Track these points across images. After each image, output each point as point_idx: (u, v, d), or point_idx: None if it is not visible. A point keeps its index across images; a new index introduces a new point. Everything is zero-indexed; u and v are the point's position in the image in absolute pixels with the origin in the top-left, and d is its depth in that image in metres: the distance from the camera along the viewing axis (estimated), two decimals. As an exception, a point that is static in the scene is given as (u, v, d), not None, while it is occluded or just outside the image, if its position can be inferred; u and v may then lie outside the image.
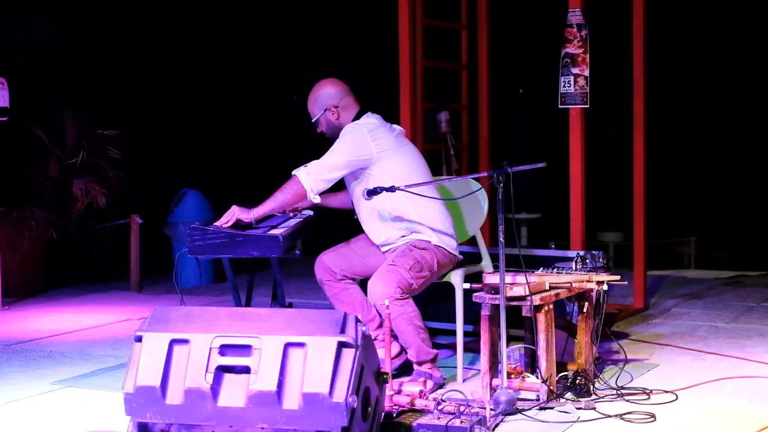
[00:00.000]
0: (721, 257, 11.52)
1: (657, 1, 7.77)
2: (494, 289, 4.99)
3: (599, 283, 5.21)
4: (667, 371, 5.73)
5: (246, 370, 4.26)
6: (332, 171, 5.35)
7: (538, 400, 4.98)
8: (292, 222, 5.54)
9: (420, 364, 5.36)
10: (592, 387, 5.21)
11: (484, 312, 5.05)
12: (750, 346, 6.32)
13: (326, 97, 5.57)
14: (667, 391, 5.25)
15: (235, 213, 5.31)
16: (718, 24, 10.79)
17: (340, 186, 5.61)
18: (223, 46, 11.20)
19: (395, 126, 5.65)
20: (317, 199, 5.41)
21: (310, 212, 5.82)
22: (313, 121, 5.61)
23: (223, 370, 4.28)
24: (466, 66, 8.09)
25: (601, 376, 5.48)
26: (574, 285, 5.19)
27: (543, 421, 4.78)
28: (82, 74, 9.86)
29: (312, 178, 5.31)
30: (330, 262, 5.62)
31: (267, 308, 5.33)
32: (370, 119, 5.53)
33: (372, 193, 5.18)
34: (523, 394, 5.03)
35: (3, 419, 5.00)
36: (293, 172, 5.35)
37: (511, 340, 5.03)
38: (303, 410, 4.17)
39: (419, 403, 4.86)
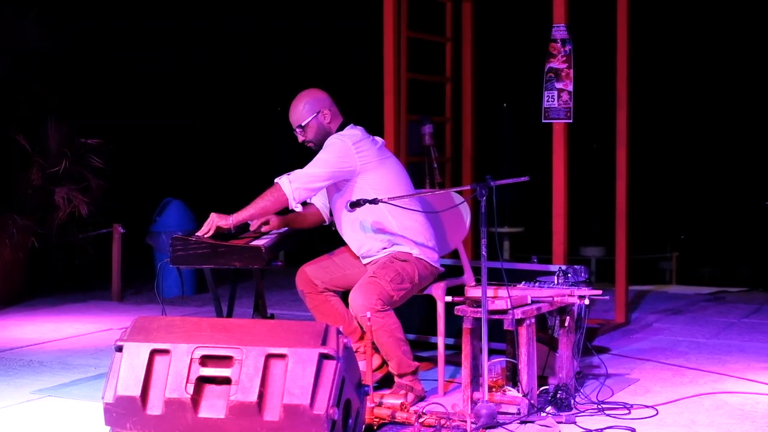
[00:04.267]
0: (702, 273, 11.56)
1: (640, 16, 7.80)
2: (476, 303, 4.99)
3: (581, 297, 5.22)
4: (647, 386, 5.74)
5: (227, 381, 4.25)
6: (315, 181, 5.34)
7: (518, 413, 4.99)
8: (274, 233, 5.53)
9: (401, 376, 5.35)
10: (572, 401, 5.21)
11: (466, 325, 5.05)
12: (731, 362, 6.34)
13: (317, 101, 5.54)
14: (647, 406, 5.26)
15: (214, 221, 5.29)
16: (700, 41, 10.85)
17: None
18: (208, 55, 11.20)
19: (377, 138, 5.64)
20: (299, 208, 5.39)
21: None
22: (303, 125, 5.49)
23: (203, 380, 4.28)
24: (450, 79, 8.10)
25: (581, 390, 5.48)
26: (555, 299, 5.20)
27: (523, 435, 4.79)
28: (66, 82, 9.84)
29: (294, 187, 5.29)
30: (311, 274, 5.61)
31: (249, 319, 5.33)
32: (354, 131, 5.53)
33: (355, 205, 5.18)
34: (504, 408, 5.03)
35: (-19, 428, 4.98)
36: (276, 180, 5.33)
37: (492, 353, 5.04)
38: (284, 422, 4.17)
39: (400, 416, 4.86)
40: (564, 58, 6.81)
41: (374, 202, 5.18)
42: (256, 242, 5.26)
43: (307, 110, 5.51)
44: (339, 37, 11.16)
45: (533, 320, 5.10)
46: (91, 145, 9.16)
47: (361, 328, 5.46)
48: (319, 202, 5.71)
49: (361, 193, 5.35)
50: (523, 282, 5.34)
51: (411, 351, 5.40)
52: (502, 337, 5.34)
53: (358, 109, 5.94)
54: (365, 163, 5.40)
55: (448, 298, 5.27)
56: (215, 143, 11.41)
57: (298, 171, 5.34)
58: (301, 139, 5.57)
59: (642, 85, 8.41)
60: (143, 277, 9.33)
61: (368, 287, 5.22)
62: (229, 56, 11.28)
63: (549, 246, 6.92)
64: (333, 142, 5.43)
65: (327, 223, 5.77)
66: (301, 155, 5.71)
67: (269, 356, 4.25)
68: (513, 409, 5.02)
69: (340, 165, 5.36)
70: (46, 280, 9.29)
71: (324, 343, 4.25)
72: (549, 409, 5.09)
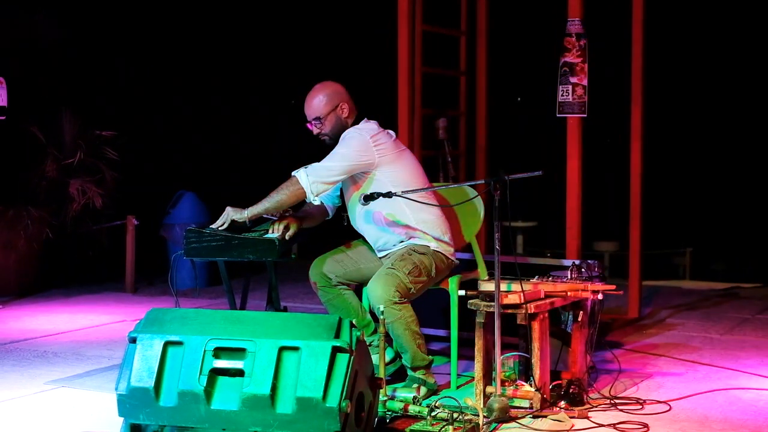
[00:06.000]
0: (716, 269, 11.52)
1: (656, 11, 7.78)
2: (489, 297, 4.99)
3: (594, 292, 5.21)
4: (660, 381, 5.73)
5: (240, 372, 4.26)
6: (333, 174, 5.33)
7: (531, 408, 4.99)
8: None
9: (414, 369, 5.36)
10: (585, 396, 5.21)
11: (479, 319, 5.05)
12: (744, 358, 6.33)
13: (336, 95, 5.51)
14: (660, 402, 5.26)
15: (229, 214, 5.29)
16: (716, 34, 10.81)
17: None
18: (221, 46, 11.20)
19: (390, 131, 5.62)
20: (317, 201, 5.38)
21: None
22: (320, 118, 5.48)
23: (217, 372, 4.29)
24: (464, 73, 8.09)
25: (594, 385, 5.48)
26: (569, 294, 5.19)
27: (536, 430, 4.78)
28: (80, 74, 9.86)
29: (312, 180, 5.27)
30: (325, 267, 5.61)
31: (262, 311, 5.34)
32: (370, 124, 5.52)
33: (368, 198, 5.17)
34: (517, 402, 5.03)
35: (-5, 418, 5.00)
36: (293, 173, 5.32)
37: (505, 347, 5.04)
38: (296, 414, 4.17)
39: (413, 410, 4.86)
40: (579, 53, 6.80)
41: (388, 195, 5.18)
42: (269, 235, 5.27)
43: (325, 103, 5.49)
44: (353, 30, 11.15)
45: (546, 315, 5.10)
46: (105, 136, 9.19)
47: (375, 321, 5.46)
48: (325, 196, 5.66)
49: (378, 185, 5.35)
50: (537, 276, 5.33)
51: (425, 344, 5.40)
52: (515, 331, 5.33)
53: (372, 103, 5.92)
54: (383, 155, 5.39)
55: (462, 292, 5.26)
56: (229, 135, 11.42)
57: (315, 164, 5.33)
58: (316, 131, 5.54)
59: (657, 80, 8.38)
60: (157, 269, 9.35)
61: (387, 279, 5.22)
62: (242, 47, 11.27)
63: (562, 241, 6.91)
64: (352, 136, 5.42)
65: (330, 217, 5.76)
66: (314, 148, 5.70)
67: (282, 348, 4.25)
68: (526, 404, 5.02)
69: (358, 158, 5.35)
70: (60, 272, 9.31)
71: (337, 335, 4.25)
72: (562, 403, 5.09)
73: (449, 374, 5.62)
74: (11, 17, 9.25)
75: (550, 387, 5.14)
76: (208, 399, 4.26)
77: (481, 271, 5.84)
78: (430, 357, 5.42)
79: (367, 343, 4.86)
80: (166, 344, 4.35)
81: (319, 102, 5.49)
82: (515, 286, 5.01)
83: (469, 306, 5.09)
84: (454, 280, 5.59)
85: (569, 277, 5.33)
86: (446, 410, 4.81)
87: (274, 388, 4.20)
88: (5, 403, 5.26)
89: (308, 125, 5.55)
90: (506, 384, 5.08)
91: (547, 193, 9.36)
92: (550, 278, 5.32)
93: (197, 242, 5.21)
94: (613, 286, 5.28)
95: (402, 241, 5.48)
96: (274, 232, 5.31)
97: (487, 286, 5.05)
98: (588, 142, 6.98)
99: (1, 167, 8.83)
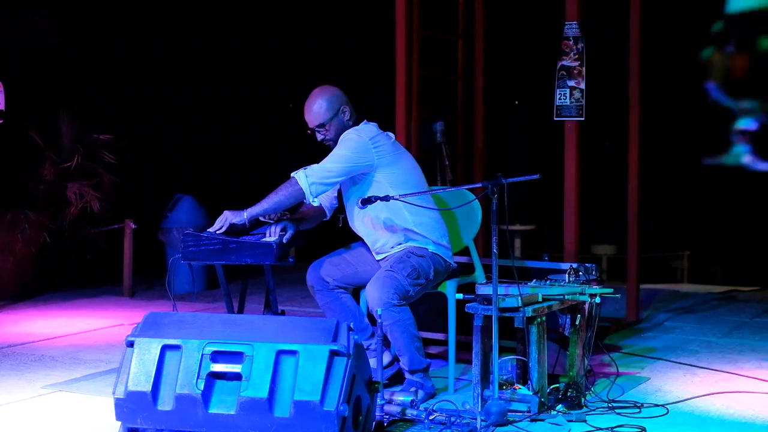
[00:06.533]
0: (714, 272, 11.53)
1: (653, 13, 7.78)
2: (487, 300, 4.99)
3: (592, 295, 5.21)
4: (658, 385, 5.73)
5: (237, 377, 4.26)
6: (332, 176, 5.32)
7: (529, 411, 4.98)
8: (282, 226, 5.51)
9: (412, 373, 5.35)
10: (583, 399, 5.20)
11: (477, 323, 5.05)
12: (742, 361, 6.33)
13: (336, 99, 5.50)
14: (658, 405, 5.26)
15: (227, 218, 5.29)
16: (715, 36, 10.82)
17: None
18: (221, 48, 11.21)
19: (389, 133, 5.62)
20: (316, 203, 5.37)
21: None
22: (324, 124, 5.48)
23: (214, 376, 4.29)
24: (461, 76, 8.09)
25: (592, 388, 5.48)
26: (566, 297, 5.19)
27: (534, 433, 4.79)
28: (80, 76, 9.86)
29: (311, 182, 5.26)
30: (323, 271, 5.61)
31: (259, 315, 5.34)
32: (369, 126, 5.51)
33: (366, 201, 5.17)
34: (515, 406, 5.02)
35: (-7, 422, 5.00)
36: (292, 174, 5.31)
37: (503, 351, 5.03)
38: (294, 418, 4.17)
39: (410, 413, 4.85)
40: (576, 56, 6.80)
41: (386, 199, 5.17)
42: (267, 239, 5.27)
43: (326, 109, 5.47)
44: (351, 32, 11.16)
45: (544, 318, 5.10)
46: (103, 140, 9.18)
47: (373, 324, 5.45)
48: (323, 197, 5.66)
49: (377, 187, 5.35)
50: (534, 280, 5.33)
51: (423, 348, 5.39)
52: (512, 334, 5.33)
53: (369, 106, 5.92)
54: (382, 157, 5.39)
55: (459, 296, 5.26)
56: (229, 137, 11.42)
57: (314, 166, 5.33)
58: (320, 138, 5.51)
59: (655, 83, 8.38)
60: (154, 273, 9.35)
61: (385, 281, 5.22)
62: (241, 48, 11.29)
63: (560, 244, 6.91)
64: (350, 138, 5.41)
65: (328, 218, 5.75)
66: (313, 149, 5.70)
67: (280, 352, 4.25)
68: (523, 407, 5.02)
69: (357, 160, 5.35)
70: (58, 276, 9.30)
71: (335, 339, 4.25)
72: (559, 407, 5.09)
73: (447, 378, 5.62)
74: (11, 18, 9.25)
75: (548, 390, 5.14)
76: (205, 403, 4.26)
77: (479, 274, 5.84)
78: (428, 360, 5.41)
79: (365, 347, 4.86)
80: (164, 348, 4.35)
81: (320, 108, 5.47)
82: (513, 290, 5.01)
83: (467, 309, 5.09)
84: (452, 284, 5.59)
85: (567, 280, 5.33)
86: (444, 414, 4.81)
87: (271, 392, 4.20)
88: (3, 407, 5.26)
89: (309, 132, 5.54)
90: (504, 387, 5.08)
91: (545, 197, 9.37)
92: (547, 281, 5.32)
93: (195, 246, 5.21)
94: (611, 290, 5.28)
95: (400, 244, 5.47)
96: (272, 236, 5.31)
97: (485, 290, 5.05)
98: (586, 145, 6.98)
99: (-1, 170, 8.85)
